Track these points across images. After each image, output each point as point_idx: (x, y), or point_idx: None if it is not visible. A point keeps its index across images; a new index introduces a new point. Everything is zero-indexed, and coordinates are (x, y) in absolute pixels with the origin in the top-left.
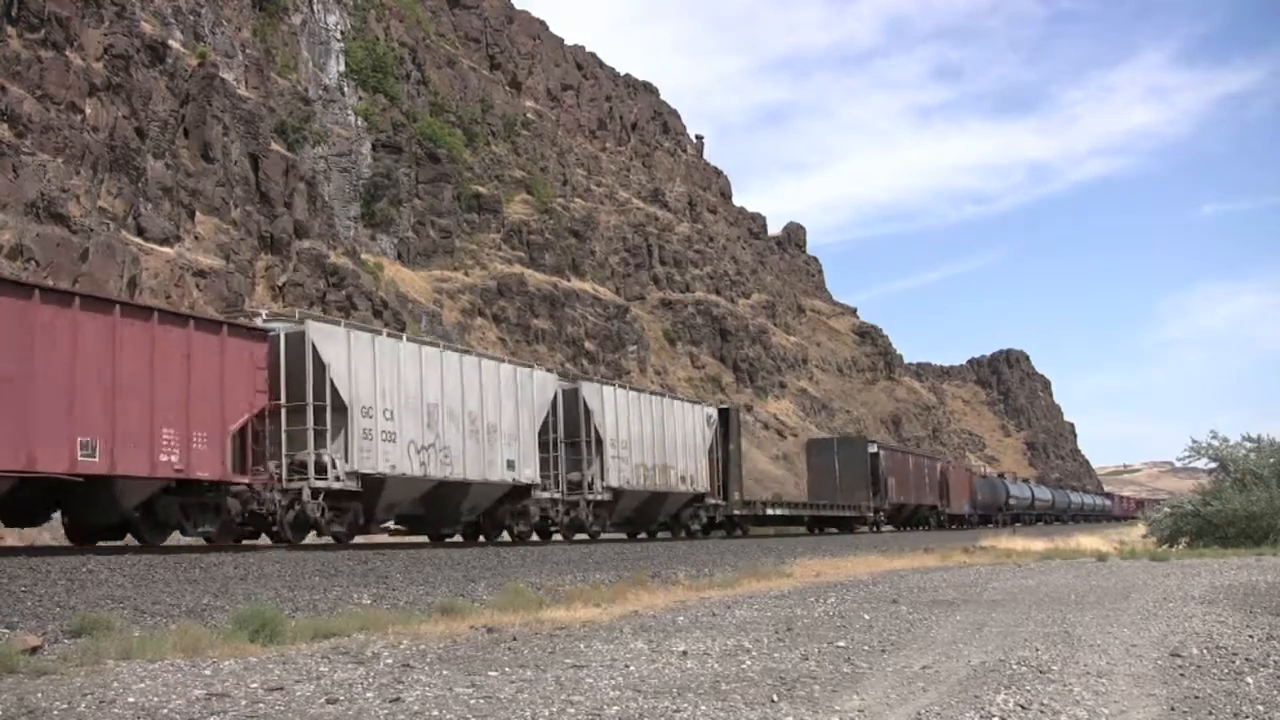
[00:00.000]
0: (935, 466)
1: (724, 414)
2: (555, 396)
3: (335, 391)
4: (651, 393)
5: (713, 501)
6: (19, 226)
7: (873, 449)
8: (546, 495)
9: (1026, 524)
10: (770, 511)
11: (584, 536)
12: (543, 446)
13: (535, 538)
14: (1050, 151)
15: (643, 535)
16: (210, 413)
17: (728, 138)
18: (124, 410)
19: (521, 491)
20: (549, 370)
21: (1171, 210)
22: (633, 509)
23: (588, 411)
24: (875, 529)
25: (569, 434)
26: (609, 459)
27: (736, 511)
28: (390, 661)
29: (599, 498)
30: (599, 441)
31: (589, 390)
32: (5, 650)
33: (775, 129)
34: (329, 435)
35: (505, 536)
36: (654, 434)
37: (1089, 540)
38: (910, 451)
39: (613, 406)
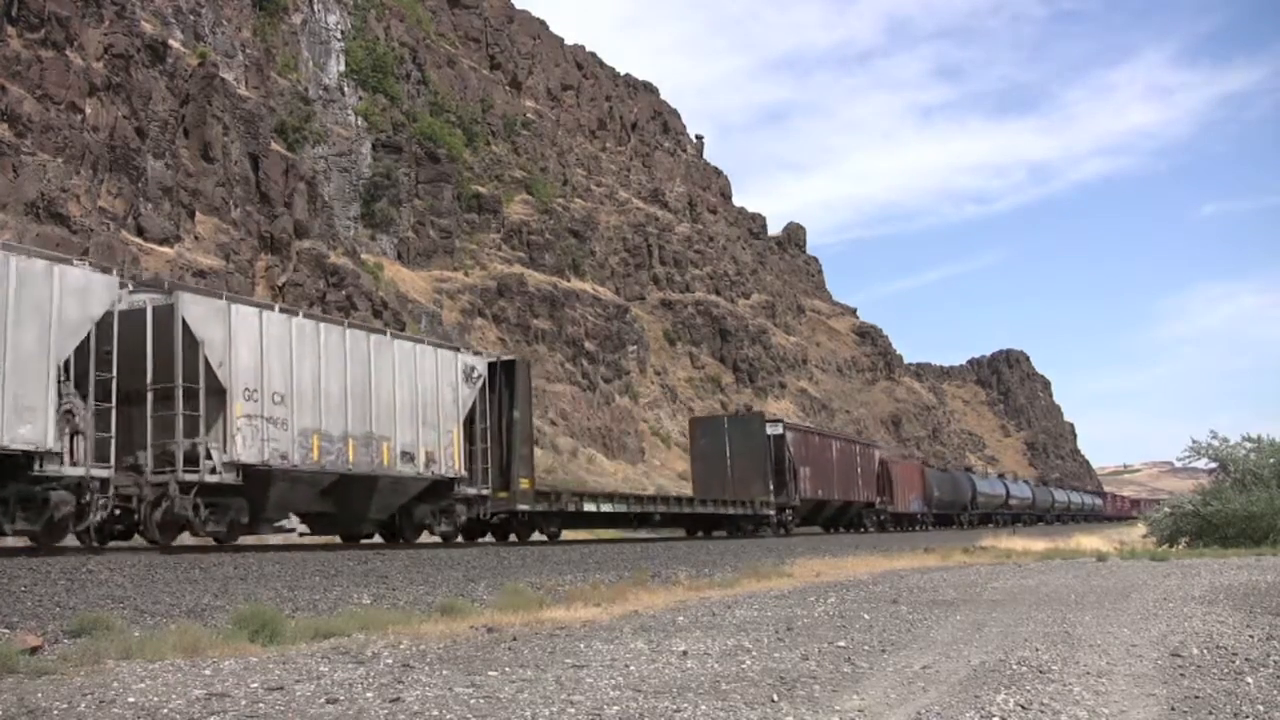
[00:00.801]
0: (871, 455)
1: (505, 368)
2: (116, 313)
3: None
4: (351, 325)
5: (471, 492)
6: (19, 226)
7: (776, 429)
8: (77, 472)
9: (999, 525)
10: (591, 508)
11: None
12: (101, 396)
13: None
14: (1051, 151)
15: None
16: None
17: (728, 138)
18: None
19: (17, 466)
20: (105, 270)
21: (1171, 210)
22: (311, 498)
23: (193, 342)
24: (782, 531)
25: (160, 378)
26: (237, 420)
27: (523, 507)
28: (390, 661)
29: (213, 478)
30: (218, 391)
31: (199, 309)
32: (5, 650)
33: (776, 129)
34: None
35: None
36: (348, 386)
37: (1089, 540)
38: (832, 435)
39: (252, 338)
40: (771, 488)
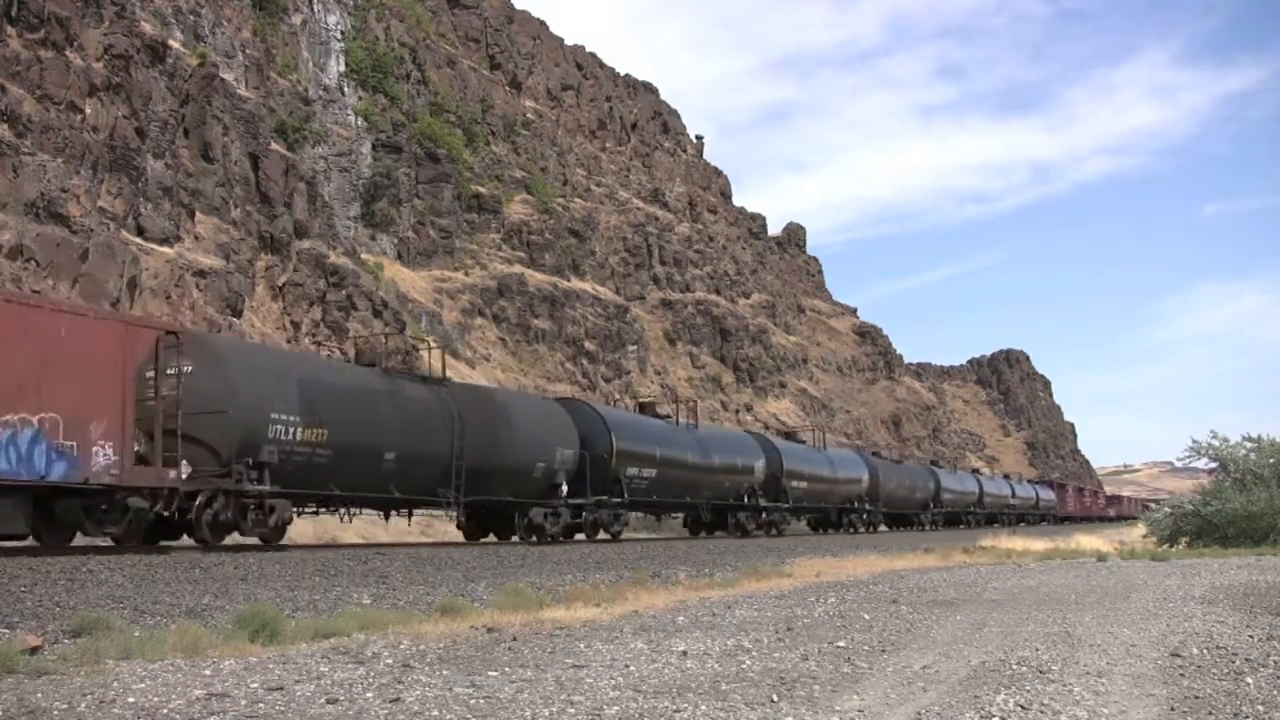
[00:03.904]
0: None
1: None
2: None
3: None
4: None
5: None
6: (19, 226)
7: None
8: None
9: (778, 534)
10: None
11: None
12: None
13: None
14: (1053, 151)
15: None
16: None
17: (730, 137)
18: None
19: None
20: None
21: (1173, 210)
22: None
23: None
24: None
25: None
26: None
27: None
28: (390, 661)
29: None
30: None
31: None
32: (5, 650)
33: (778, 128)
34: None
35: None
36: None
37: (1089, 540)
38: None
39: None
40: None
